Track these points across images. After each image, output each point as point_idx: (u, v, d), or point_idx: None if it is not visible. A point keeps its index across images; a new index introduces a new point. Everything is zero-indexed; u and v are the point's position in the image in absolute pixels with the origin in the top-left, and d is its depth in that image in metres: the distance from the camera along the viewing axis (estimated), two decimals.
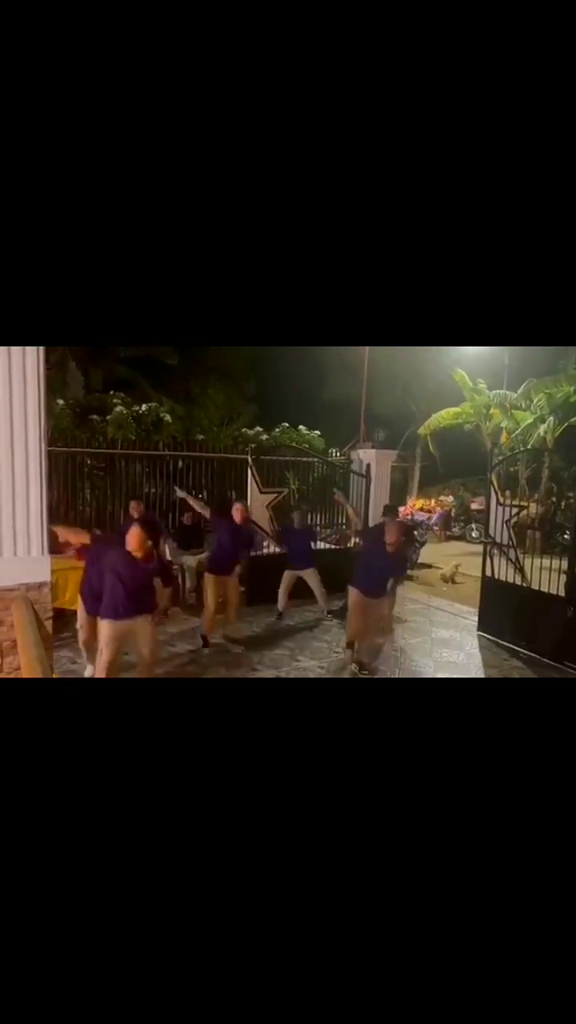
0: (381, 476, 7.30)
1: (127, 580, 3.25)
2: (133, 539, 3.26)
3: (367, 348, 10.93)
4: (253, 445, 7.22)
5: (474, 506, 13.02)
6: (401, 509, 11.41)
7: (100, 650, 3.35)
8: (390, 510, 6.45)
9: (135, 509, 5.22)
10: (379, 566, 4.21)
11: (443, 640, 5.40)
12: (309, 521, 6.39)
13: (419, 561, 8.96)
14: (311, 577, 5.70)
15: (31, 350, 2.72)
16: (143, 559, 3.29)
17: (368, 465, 7.29)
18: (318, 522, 7.60)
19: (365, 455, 7.40)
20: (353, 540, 7.34)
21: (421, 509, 13.43)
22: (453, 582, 8.00)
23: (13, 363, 2.69)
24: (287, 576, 5.68)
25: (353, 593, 4.27)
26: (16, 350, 2.69)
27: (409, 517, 11.70)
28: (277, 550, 5.95)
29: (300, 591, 5.74)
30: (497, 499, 5.55)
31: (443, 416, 12.20)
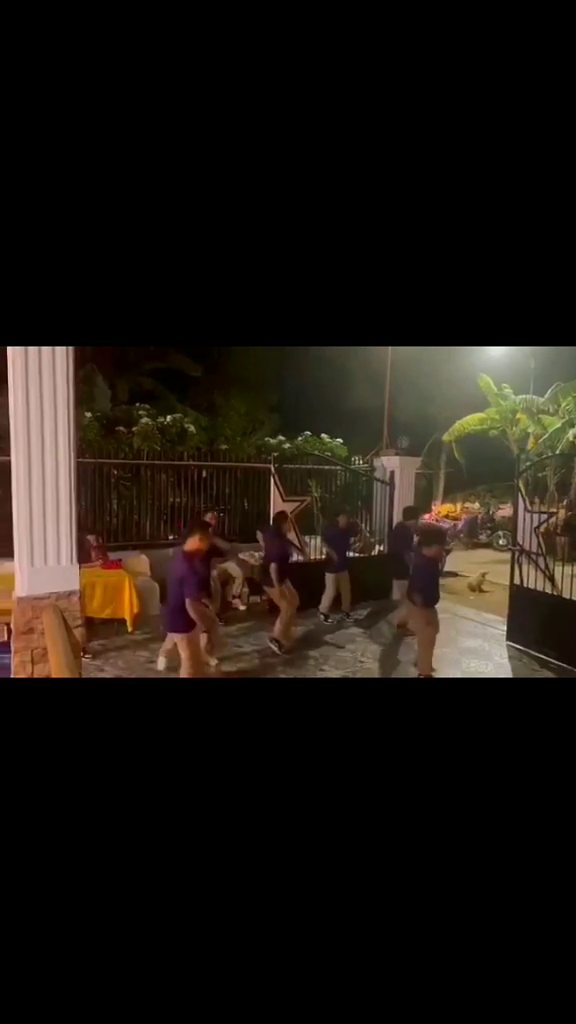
0: (405, 483, 7.24)
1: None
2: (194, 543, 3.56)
3: (389, 355, 10.93)
4: (276, 454, 7.25)
5: (501, 513, 12.78)
6: (426, 515, 11.27)
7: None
8: (412, 512, 6.36)
9: (212, 519, 5.33)
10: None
11: (471, 650, 5.30)
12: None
13: (445, 569, 8.82)
14: (344, 580, 5.89)
15: (61, 366, 2.81)
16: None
17: (392, 472, 7.25)
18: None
19: (388, 462, 7.35)
20: (378, 548, 7.30)
21: (447, 516, 13.25)
22: (480, 591, 7.85)
23: (44, 379, 2.78)
24: (336, 580, 5.81)
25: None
26: (47, 366, 2.77)
27: (434, 523, 11.55)
28: (300, 558, 5.97)
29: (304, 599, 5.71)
30: (525, 506, 5.44)
31: (468, 422, 12.08)
